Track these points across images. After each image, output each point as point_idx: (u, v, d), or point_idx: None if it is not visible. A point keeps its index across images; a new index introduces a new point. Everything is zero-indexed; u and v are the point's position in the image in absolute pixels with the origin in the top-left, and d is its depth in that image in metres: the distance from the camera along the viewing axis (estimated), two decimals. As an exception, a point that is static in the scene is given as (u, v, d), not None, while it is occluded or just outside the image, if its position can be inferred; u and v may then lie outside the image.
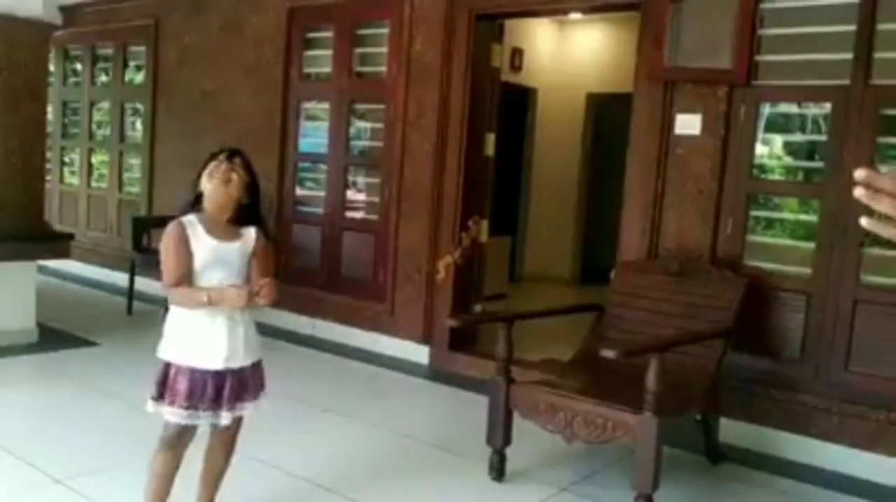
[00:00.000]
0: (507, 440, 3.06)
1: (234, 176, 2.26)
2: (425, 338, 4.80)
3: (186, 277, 2.22)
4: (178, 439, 2.33)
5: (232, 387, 2.32)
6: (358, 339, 5.06)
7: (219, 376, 2.29)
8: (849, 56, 3.42)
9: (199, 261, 2.23)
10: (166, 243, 2.24)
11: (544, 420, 2.92)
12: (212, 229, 2.26)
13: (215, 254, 2.25)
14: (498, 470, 3.07)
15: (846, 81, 3.43)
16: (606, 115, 7.60)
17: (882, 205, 0.98)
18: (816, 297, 3.51)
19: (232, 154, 2.30)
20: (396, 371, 4.65)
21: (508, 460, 3.09)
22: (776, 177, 4.47)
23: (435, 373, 4.67)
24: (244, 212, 2.33)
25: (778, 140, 4.72)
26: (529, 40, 7.48)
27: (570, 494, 3.02)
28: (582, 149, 8.00)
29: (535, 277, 7.99)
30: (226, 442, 2.47)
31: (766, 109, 3.97)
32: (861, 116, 3.39)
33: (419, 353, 4.81)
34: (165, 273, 2.24)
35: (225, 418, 2.32)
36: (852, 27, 3.41)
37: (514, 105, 7.50)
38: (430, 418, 4.00)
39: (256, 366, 2.42)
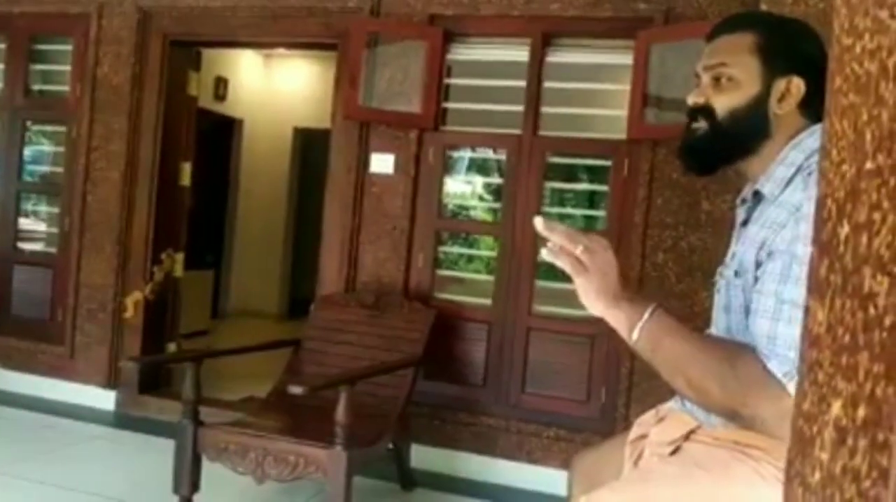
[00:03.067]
0: (196, 486, 2.91)
1: None
2: (111, 382, 4.42)
3: None
4: None
5: None
6: (31, 387, 4.51)
7: None
8: (521, 108, 3.80)
9: None
10: None
11: (234, 462, 2.82)
12: None
13: None
14: (185, 520, 2.90)
15: (519, 131, 3.81)
16: (313, 150, 7.68)
17: (562, 262, 1.15)
18: (496, 326, 3.82)
19: None
20: (77, 420, 4.21)
21: (198, 507, 2.94)
22: (477, 214, 4.83)
23: (123, 420, 4.31)
24: None
25: (479, 181, 5.13)
26: (235, 70, 7.34)
27: (262, 537, 2.94)
28: (289, 182, 7.99)
29: (241, 312, 7.77)
30: None
31: (467, 153, 4.28)
32: (531, 163, 3.78)
33: (104, 399, 4.41)
34: None
35: None
36: (523, 83, 3.80)
37: (220, 135, 7.31)
38: (114, 469, 3.67)
39: None
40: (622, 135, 3.63)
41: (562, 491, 3.47)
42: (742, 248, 1.34)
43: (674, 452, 1.40)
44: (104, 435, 4.10)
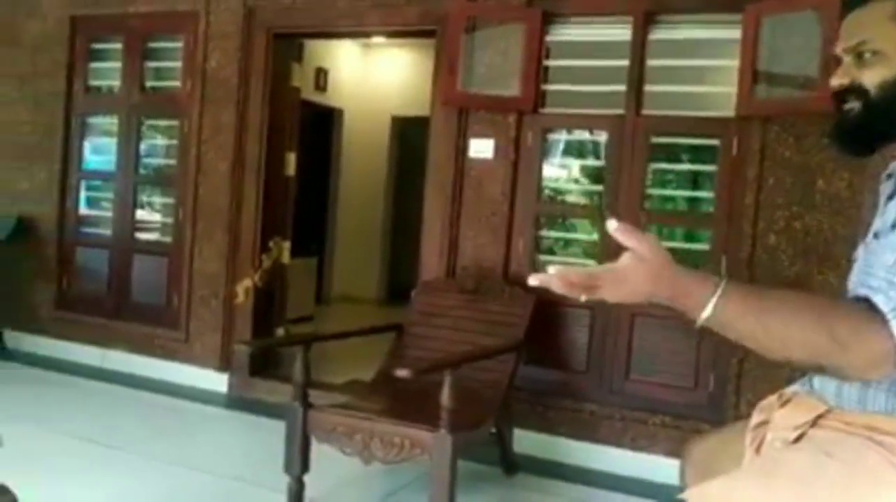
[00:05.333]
0: (305, 466, 2.99)
1: None
2: (224, 365, 4.61)
3: None
4: None
5: None
6: (151, 369, 4.76)
7: None
8: (623, 88, 3.71)
9: None
10: None
11: (342, 443, 2.88)
12: None
13: None
14: (296, 498, 2.98)
15: (621, 111, 3.72)
16: (410, 137, 7.75)
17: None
18: (599, 312, 3.75)
19: None
20: (193, 401, 4.41)
21: (307, 487, 3.01)
22: (570, 199, 4.76)
23: (235, 401, 4.49)
24: None
25: (575, 164, 5.05)
26: (334, 61, 7.49)
27: (369, 517, 3.00)
28: (388, 170, 8.11)
29: (342, 298, 7.96)
30: None
31: (562, 136, 4.21)
32: (634, 144, 3.69)
33: (218, 381, 4.61)
34: None
35: None
36: (625, 62, 3.70)
37: (320, 125, 7.47)
38: (228, 449, 3.83)
39: None
40: (731, 113, 3.50)
41: (668, 479, 3.40)
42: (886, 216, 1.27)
43: (798, 438, 1.33)
44: (218, 416, 4.28)
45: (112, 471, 3.29)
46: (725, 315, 1.14)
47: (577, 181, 5.25)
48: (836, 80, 1.34)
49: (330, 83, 7.45)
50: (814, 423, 1.32)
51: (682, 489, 1.76)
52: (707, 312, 1.14)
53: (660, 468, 3.51)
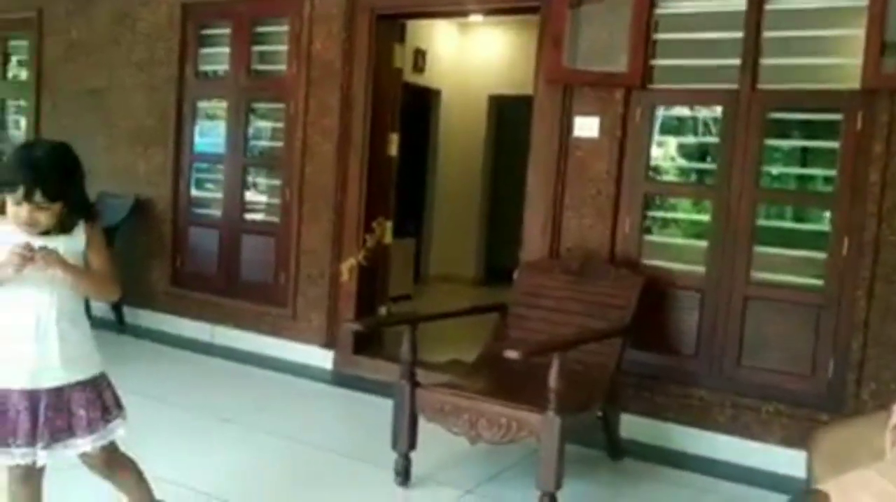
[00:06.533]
0: (413, 444, 3.03)
1: (41, 217, 1.90)
2: (329, 342, 4.71)
3: None
4: (18, 479, 1.98)
5: (49, 417, 1.93)
6: (259, 345, 4.92)
7: (33, 398, 1.92)
8: (737, 62, 3.55)
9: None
10: None
11: (450, 422, 2.90)
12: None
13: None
14: (403, 475, 3.03)
15: (735, 86, 3.56)
16: (508, 116, 7.69)
17: None
18: (710, 294, 3.63)
19: (30, 189, 1.85)
20: (299, 377, 4.54)
21: (414, 464, 3.06)
22: (671, 178, 4.61)
23: (339, 378, 4.59)
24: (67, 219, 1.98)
25: (672, 142, 4.88)
26: (432, 42, 7.49)
27: (475, 495, 3.01)
28: (485, 150, 8.07)
29: (439, 278, 8.01)
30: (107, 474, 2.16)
31: (661, 112, 4.09)
32: (749, 119, 3.53)
33: (323, 358, 4.72)
34: None
35: (42, 457, 1.93)
36: (740, 34, 3.54)
37: (418, 106, 7.50)
38: (334, 424, 3.92)
39: (92, 386, 2.01)
40: (855, 86, 3.30)
41: (782, 468, 3.30)
42: None
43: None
44: (324, 392, 4.39)
45: (224, 443, 3.43)
46: None
47: (686, 158, 5.08)
48: None
49: (428, 64, 7.46)
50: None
51: (807, 480, 1.68)
52: None
53: (774, 457, 3.39)
